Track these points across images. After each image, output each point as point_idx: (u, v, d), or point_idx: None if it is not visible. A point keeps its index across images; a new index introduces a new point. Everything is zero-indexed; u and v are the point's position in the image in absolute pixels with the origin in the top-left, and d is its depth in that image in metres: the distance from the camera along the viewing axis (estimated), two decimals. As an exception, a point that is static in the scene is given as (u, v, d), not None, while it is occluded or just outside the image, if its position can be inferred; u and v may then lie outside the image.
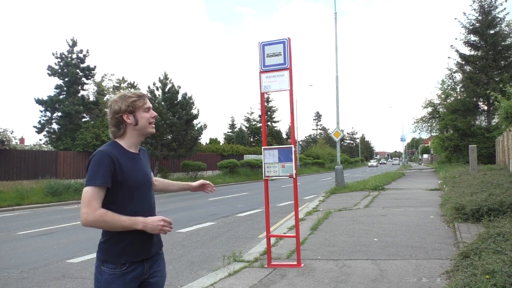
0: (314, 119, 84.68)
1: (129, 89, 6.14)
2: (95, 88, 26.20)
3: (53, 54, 24.20)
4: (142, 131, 2.03)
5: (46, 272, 5.36)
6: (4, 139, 17.79)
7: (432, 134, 41.19)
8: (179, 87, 24.25)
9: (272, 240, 6.23)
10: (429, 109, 34.82)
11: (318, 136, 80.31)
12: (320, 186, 20.31)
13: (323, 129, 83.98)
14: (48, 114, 24.15)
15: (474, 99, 27.23)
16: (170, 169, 26.17)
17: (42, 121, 23.94)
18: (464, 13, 27.85)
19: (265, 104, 13.14)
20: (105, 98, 25.17)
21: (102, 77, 27.13)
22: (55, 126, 24.36)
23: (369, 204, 10.64)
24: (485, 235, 4.84)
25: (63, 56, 24.35)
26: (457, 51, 28.15)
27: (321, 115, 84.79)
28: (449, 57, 48.37)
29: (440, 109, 33.23)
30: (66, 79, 24.10)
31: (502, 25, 26.84)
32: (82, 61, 24.86)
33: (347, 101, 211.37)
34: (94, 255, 3.16)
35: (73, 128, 23.36)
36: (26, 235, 8.32)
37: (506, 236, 4.56)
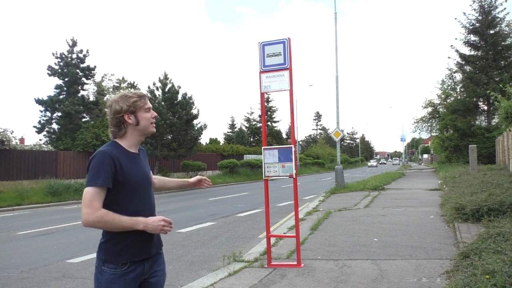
0: (314, 119, 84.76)
1: (129, 89, 6.14)
2: (95, 88, 26.23)
3: (53, 54, 24.22)
4: (144, 131, 2.03)
5: (46, 272, 5.37)
6: (4, 139, 17.79)
7: (432, 134, 41.20)
8: (179, 87, 24.28)
9: (272, 240, 6.23)
10: (429, 109, 34.85)
11: (318, 136, 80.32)
12: (320, 186, 20.31)
13: (323, 129, 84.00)
14: (48, 114, 24.15)
15: (474, 99, 27.24)
16: (170, 169, 26.17)
17: (42, 121, 23.95)
18: (464, 13, 27.88)
19: (265, 104, 13.15)
20: (105, 98, 25.19)
21: (102, 77, 27.19)
22: (55, 126, 24.38)
23: (369, 204, 10.64)
24: (485, 235, 4.84)
25: (63, 56, 24.35)
26: (457, 51, 28.18)
27: (321, 115, 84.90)
28: (449, 57, 48.37)
29: (440, 109, 33.23)
30: (66, 79, 24.11)
31: (502, 25, 26.86)
32: (82, 61, 24.87)
33: (347, 101, 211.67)
34: (94, 255, 3.16)
35: (73, 128, 23.37)
36: (26, 235, 8.32)
37: (506, 236, 4.56)
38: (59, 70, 24.11)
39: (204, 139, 43.89)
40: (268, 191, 5.26)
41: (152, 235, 1.97)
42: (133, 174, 1.93)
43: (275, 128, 50.54)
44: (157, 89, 24.13)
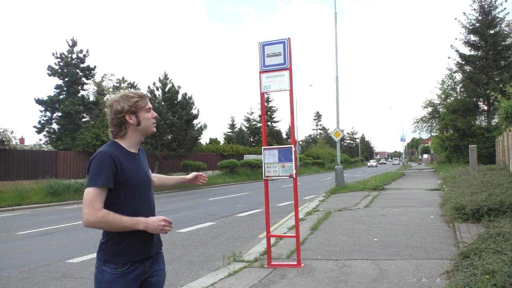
0: (314, 119, 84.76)
1: (129, 89, 6.14)
2: (95, 88, 26.24)
3: (53, 54, 24.23)
4: (144, 131, 2.03)
5: (46, 272, 5.37)
6: (4, 139, 17.79)
7: (432, 134, 41.20)
8: (179, 87, 24.26)
9: (272, 240, 6.24)
10: (429, 109, 34.85)
11: (318, 136, 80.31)
12: (320, 186, 20.32)
13: (323, 129, 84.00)
14: (48, 114, 24.16)
15: (474, 99, 27.24)
16: (170, 169, 26.18)
17: (42, 121, 23.95)
18: (464, 13, 27.88)
19: (265, 104, 13.15)
20: (105, 98, 25.19)
21: (102, 77, 27.19)
22: (55, 126, 24.39)
23: (369, 204, 10.64)
24: (485, 235, 4.84)
25: (63, 56, 24.36)
26: (457, 51, 28.18)
27: (321, 115, 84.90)
28: (449, 57, 48.38)
29: (440, 109, 33.23)
30: (66, 79, 24.11)
31: (502, 25, 26.86)
32: (82, 61, 24.87)
33: (347, 101, 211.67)
34: (94, 255, 3.15)
35: (73, 128, 23.37)
36: (26, 235, 8.32)
37: (506, 236, 4.56)
38: (59, 70, 24.11)
39: (204, 139, 43.96)
40: (268, 191, 5.26)
41: (153, 235, 1.98)
42: (133, 174, 1.93)
43: (275, 128, 50.54)
44: (157, 89, 24.12)
